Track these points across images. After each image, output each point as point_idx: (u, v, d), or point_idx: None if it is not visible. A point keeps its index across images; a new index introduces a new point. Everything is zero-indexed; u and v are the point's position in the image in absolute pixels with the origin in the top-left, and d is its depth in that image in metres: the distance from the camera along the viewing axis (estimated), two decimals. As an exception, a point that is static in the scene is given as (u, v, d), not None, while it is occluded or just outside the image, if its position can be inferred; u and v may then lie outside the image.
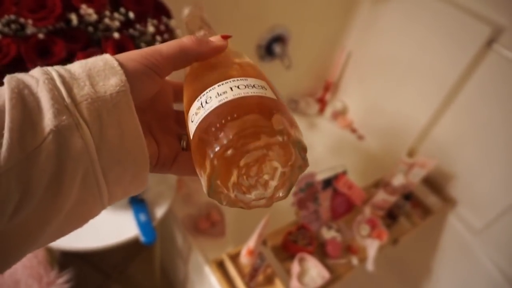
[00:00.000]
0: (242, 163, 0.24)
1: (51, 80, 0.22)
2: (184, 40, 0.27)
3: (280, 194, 0.27)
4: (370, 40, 1.38)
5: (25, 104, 0.21)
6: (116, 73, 0.24)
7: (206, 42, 0.27)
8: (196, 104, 0.26)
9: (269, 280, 0.91)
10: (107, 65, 0.24)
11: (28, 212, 0.22)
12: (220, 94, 0.25)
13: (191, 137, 0.26)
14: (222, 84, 0.25)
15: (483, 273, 1.18)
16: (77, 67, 0.24)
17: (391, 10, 1.27)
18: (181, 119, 0.32)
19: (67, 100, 0.22)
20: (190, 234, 0.99)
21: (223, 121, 0.23)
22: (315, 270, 0.94)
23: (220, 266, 0.92)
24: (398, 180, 1.12)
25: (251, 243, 0.87)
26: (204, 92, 0.25)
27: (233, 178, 0.24)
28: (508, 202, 1.10)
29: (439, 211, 1.24)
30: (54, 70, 0.23)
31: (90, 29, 0.49)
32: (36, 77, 0.23)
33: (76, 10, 0.47)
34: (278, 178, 0.26)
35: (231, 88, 0.25)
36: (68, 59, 0.47)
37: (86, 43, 0.49)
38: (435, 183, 1.30)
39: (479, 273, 1.19)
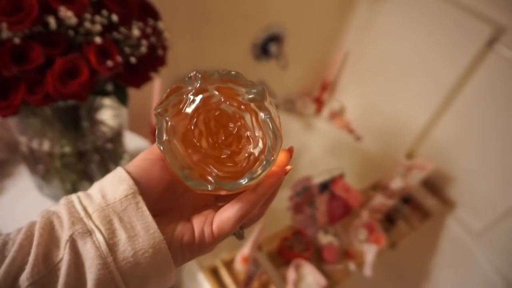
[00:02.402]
0: (193, 122, 0.23)
1: (70, 202, 0.26)
2: None
3: (263, 117, 0.23)
4: (369, 39, 1.35)
5: (52, 225, 0.25)
6: (123, 180, 0.26)
7: None
8: None
9: (264, 287, 0.88)
10: (115, 176, 0.27)
11: None
12: None
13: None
14: None
15: (482, 276, 1.16)
16: (93, 187, 0.27)
17: (390, 9, 1.25)
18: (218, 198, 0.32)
19: (82, 213, 0.25)
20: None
21: None
22: (311, 277, 0.91)
23: (214, 273, 0.90)
24: (396, 184, 1.10)
25: (246, 250, 0.85)
26: None
27: (197, 147, 0.23)
28: (507, 205, 1.08)
29: (438, 214, 1.22)
30: (74, 195, 0.27)
31: (71, 33, 0.46)
32: (60, 203, 0.26)
33: (55, 12, 0.44)
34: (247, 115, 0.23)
35: None
36: (46, 65, 0.44)
37: (66, 48, 0.46)
38: (434, 185, 1.27)
39: (478, 276, 1.17)
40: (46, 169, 0.67)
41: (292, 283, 0.88)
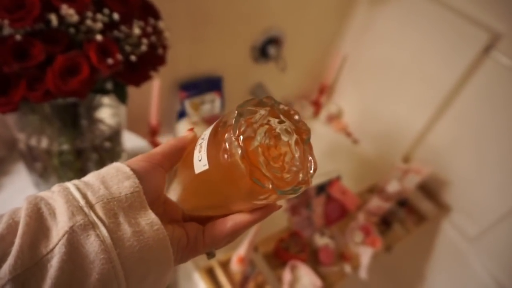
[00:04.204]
0: (258, 137, 0.26)
1: (66, 189, 0.24)
2: (169, 140, 0.31)
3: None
4: (366, 43, 1.36)
5: (40, 213, 0.23)
6: (129, 177, 0.26)
7: (184, 137, 0.31)
8: (196, 149, 0.29)
9: (260, 288, 0.89)
10: (120, 171, 0.26)
11: None
12: (209, 129, 0.29)
13: (207, 162, 0.28)
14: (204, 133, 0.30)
15: (476, 281, 1.16)
16: (90, 176, 0.26)
17: (388, 14, 1.26)
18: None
19: (82, 202, 0.23)
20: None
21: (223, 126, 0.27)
22: (307, 278, 0.92)
23: (210, 273, 0.90)
24: (393, 187, 1.10)
25: (242, 250, 0.85)
26: (197, 146, 0.29)
27: (259, 153, 0.26)
28: (502, 210, 1.09)
29: (433, 218, 1.22)
30: (69, 182, 0.25)
31: (72, 30, 0.47)
32: (53, 190, 0.24)
33: (56, 10, 0.45)
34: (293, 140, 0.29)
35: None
36: (47, 62, 0.45)
37: (67, 45, 0.46)
38: (430, 189, 1.28)
39: (473, 281, 1.18)
40: (44, 167, 0.67)
41: (288, 284, 0.88)
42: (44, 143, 0.63)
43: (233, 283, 0.86)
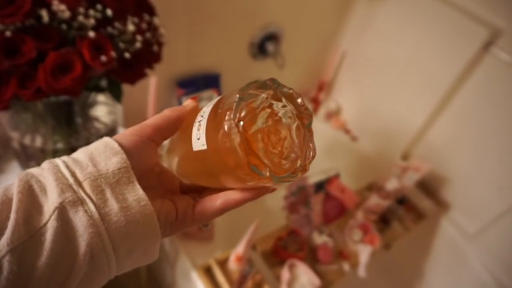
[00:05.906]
0: (259, 122, 0.26)
1: (55, 166, 0.25)
2: (164, 111, 0.30)
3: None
4: (366, 40, 1.35)
5: (32, 190, 0.24)
6: (117, 153, 0.26)
7: (182, 107, 0.31)
8: (195, 126, 0.29)
9: (258, 287, 0.88)
10: (108, 147, 0.26)
11: None
12: (209, 106, 0.29)
13: (206, 143, 0.27)
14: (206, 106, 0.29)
15: (475, 278, 1.16)
16: (79, 153, 0.27)
17: (387, 10, 1.25)
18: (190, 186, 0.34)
19: (71, 179, 0.24)
20: (177, 237, 0.96)
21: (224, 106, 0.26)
22: (306, 277, 0.91)
23: (208, 272, 0.89)
24: (391, 184, 1.10)
25: (240, 249, 0.84)
26: (196, 122, 0.29)
27: (259, 139, 0.25)
28: (501, 207, 1.09)
29: (432, 216, 1.22)
30: (58, 159, 0.26)
31: (64, 27, 0.46)
32: (42, 167, 0.25)
33: (47, 6, 0.44)
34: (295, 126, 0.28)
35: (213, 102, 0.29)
36: (38, 60, 0.44)
37: (58, 42, 0.45)
38: (429, 187, 1.28)
39: (472, 279, 1.17)
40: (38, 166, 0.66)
41: (286, 283, 0.88)
42: (38, 141, 0.62)
43: (231, 282, 0.86)
